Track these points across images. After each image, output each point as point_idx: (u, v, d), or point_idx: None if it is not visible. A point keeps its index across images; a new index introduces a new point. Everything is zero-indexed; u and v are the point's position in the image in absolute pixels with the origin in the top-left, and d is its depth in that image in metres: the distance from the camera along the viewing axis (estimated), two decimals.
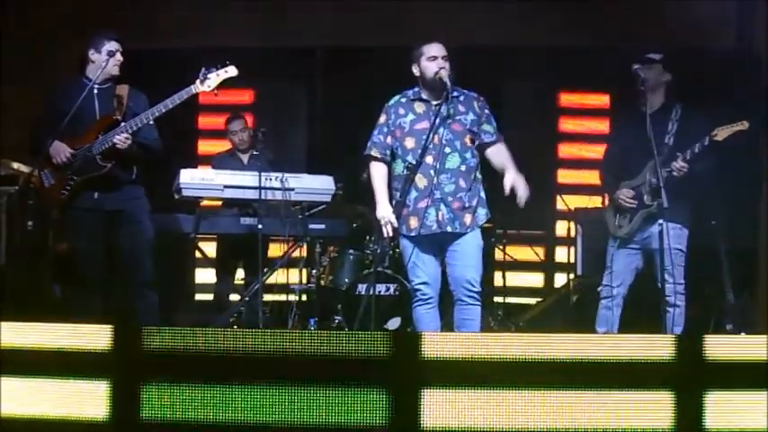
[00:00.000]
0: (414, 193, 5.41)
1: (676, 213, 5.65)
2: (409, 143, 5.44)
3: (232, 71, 5.87)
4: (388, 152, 5.55)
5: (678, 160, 5.60)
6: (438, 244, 5.47)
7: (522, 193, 5.36)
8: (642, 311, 5.99)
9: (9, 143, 7.13)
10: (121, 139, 5.68)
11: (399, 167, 5.48)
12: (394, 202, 5.44)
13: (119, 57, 5.83)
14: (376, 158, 5.56)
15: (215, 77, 5.83)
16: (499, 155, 5.52)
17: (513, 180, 5.38)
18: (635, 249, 5.90)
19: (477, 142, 5.48)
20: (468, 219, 5.42)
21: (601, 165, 6.29)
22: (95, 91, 5.83)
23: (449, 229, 5.40)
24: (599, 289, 6.06)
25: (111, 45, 5.83)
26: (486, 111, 5.55)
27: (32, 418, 4.05)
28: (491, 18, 8.67)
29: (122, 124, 5.75)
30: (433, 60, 5.43)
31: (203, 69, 5.82)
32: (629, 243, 5.90)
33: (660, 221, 5.50)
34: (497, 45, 8.70)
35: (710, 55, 8.10)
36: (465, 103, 5.51)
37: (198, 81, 5.81)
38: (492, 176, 5.62)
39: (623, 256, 5.92)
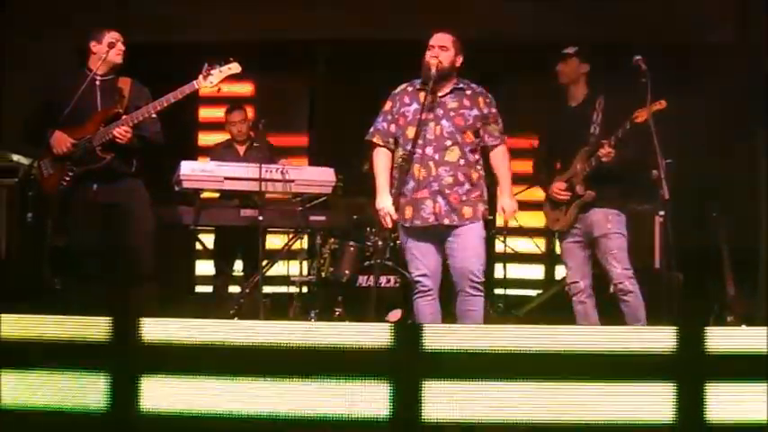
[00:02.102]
0: (411, 184, 5.39)
1: (611, 200, 5.78)
2: (410, 132, 5.41)
3: (235, 68, 5.86)
4: (392, 140, 5.54)
5: (605, 146, 5.64)
6: (437, 236, 5.45)
7: (508, 216, 5.57)
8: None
9: (8, 135, 7.13)
10: (121, 131, 5.67)
11: (400, 156, 5.47)
12: (393, 192, 5.42)
13: (120, 47, 5.83)
14: (378, 145, 5.56)
15: (218, 74, 5.82)
16: (498, 163, 5.54)
17: (503, 204, 5.51)
18: (577, 242, 5.92)
19: (480, 142, 5.46)
20: (466, 212, 5.39)
21: (534, 161, 6.32)
22: (97, 83, 5.83)
23: (446, 221, 5.38)
24: (566, 288, 6.06)
25: (112, 36, 5.82)
26: (494, 110, 5.52)
27: (31, 410, 4.04)
28: (494, 13, 8.67)
29: (123, 117, 5.74)
30: (429, 49, 5.42)
31: (206, 65, 5.81)
32: (570, 235, 5.93)
33: (661, 213, 5.52)
34: (500, 40, 8.69)
35: (706, 50, 8.12)
36: (471, 97, 5.48)
37: (201, 76, 5.80)
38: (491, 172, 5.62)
39: (575, 249, 5.93)
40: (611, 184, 5.76)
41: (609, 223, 5.76)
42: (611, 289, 5.78)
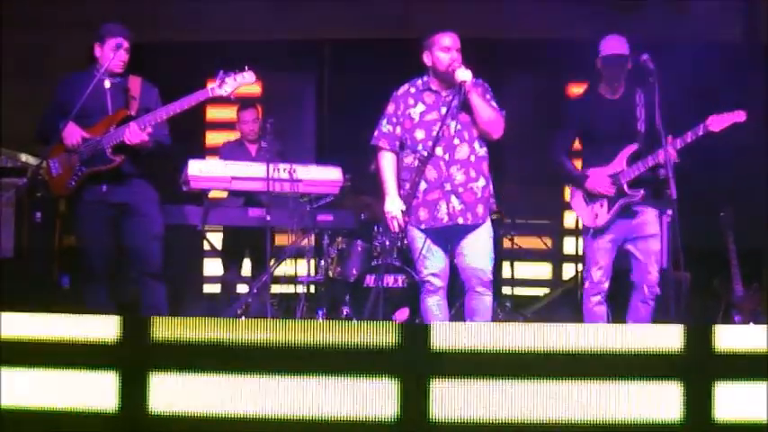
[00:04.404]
0: (424, 185, 5.37)
1: (659, 199, 5.58)
2: (419, 134, 5.40)
3: (249, 77, 5.80)
4: (397, 143, 5.51)
5: (668, 148, 5.40)
6: (448, 235, 5.44)
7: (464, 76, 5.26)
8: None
9: (17, 135, 7.16)
10: (132, 134, 5.65)
11: (409, 158, 5.44)
12: (403, 194, 5.40)
13: (126, 47, 5.81)
14: (384, 149, 5.53)
15: (232, 83, 5.77)
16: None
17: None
18: (613, 240, 5.76)
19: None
20: (479, 210, 5.39)
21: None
22: (107, 85, 5.81)
23: (460, 221, 5.37)
24: (585, 287, 5.88)
25: (119, 37, 5.80)
26: (488, 96, 5.47)
27: (41, 411, 4.06)
28: (497, 10, 8.67)
29: (136, 122, 5.72)
30: (446, 51, 5.36)
31: (221, 73, 5.76)
32: (608, 233, 5.74)
33: (669, 212, 5.45)
34: (503, 37, 8.69)
35: (715, 48, 8.12)
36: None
37: (216, 84, 5.77)
38: (499, 169, 5.60)
39: (610, 248, 5.77)
40: (660, 183, 5.52)
41: (658, 225, 5.59)
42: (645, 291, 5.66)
